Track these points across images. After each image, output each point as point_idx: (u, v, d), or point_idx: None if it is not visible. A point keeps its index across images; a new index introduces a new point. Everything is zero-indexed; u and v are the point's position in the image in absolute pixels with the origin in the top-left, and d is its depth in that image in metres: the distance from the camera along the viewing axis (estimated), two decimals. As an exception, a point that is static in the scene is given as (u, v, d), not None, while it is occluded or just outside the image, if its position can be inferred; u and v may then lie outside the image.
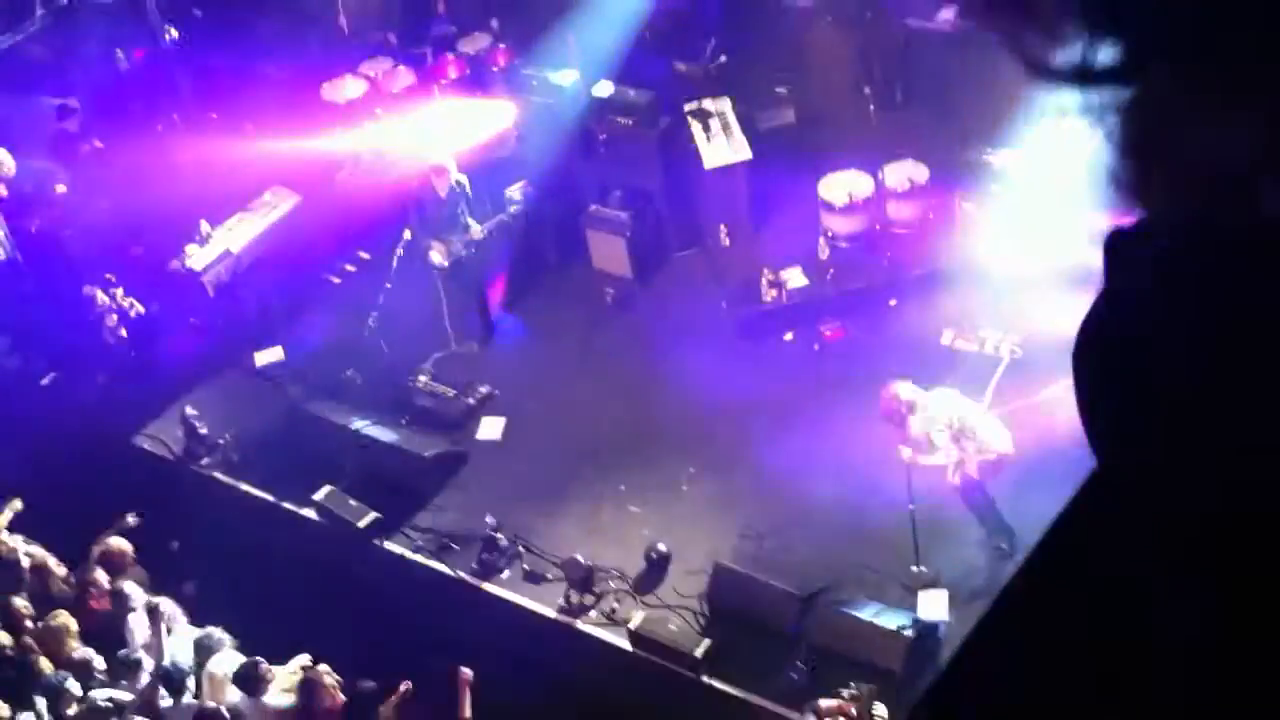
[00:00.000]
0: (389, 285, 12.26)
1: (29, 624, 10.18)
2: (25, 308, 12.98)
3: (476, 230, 12.36)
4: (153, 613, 9.75)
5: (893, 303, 12.00)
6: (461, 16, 15.44)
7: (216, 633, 9.85)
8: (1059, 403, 10.29)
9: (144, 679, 9.71)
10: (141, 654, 9.83)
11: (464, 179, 12.38)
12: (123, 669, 9.87)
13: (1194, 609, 1.04)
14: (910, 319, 11.80)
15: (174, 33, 14.43)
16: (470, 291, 12.71)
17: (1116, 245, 1.17)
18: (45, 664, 9.75)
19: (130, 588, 10.14)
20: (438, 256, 12.32)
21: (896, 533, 10.35)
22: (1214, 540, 1.03)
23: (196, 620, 10.09)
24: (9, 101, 14.24)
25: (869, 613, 9.73)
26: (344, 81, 14.67)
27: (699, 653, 9.83)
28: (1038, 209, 11.85)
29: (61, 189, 13.60)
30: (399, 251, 12.27)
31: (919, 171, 12.27)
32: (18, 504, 11.18)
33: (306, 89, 14.53)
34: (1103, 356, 1.16)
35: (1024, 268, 11.70)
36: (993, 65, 11.83)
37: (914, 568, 10.10)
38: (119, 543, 10.79)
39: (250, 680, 9.28)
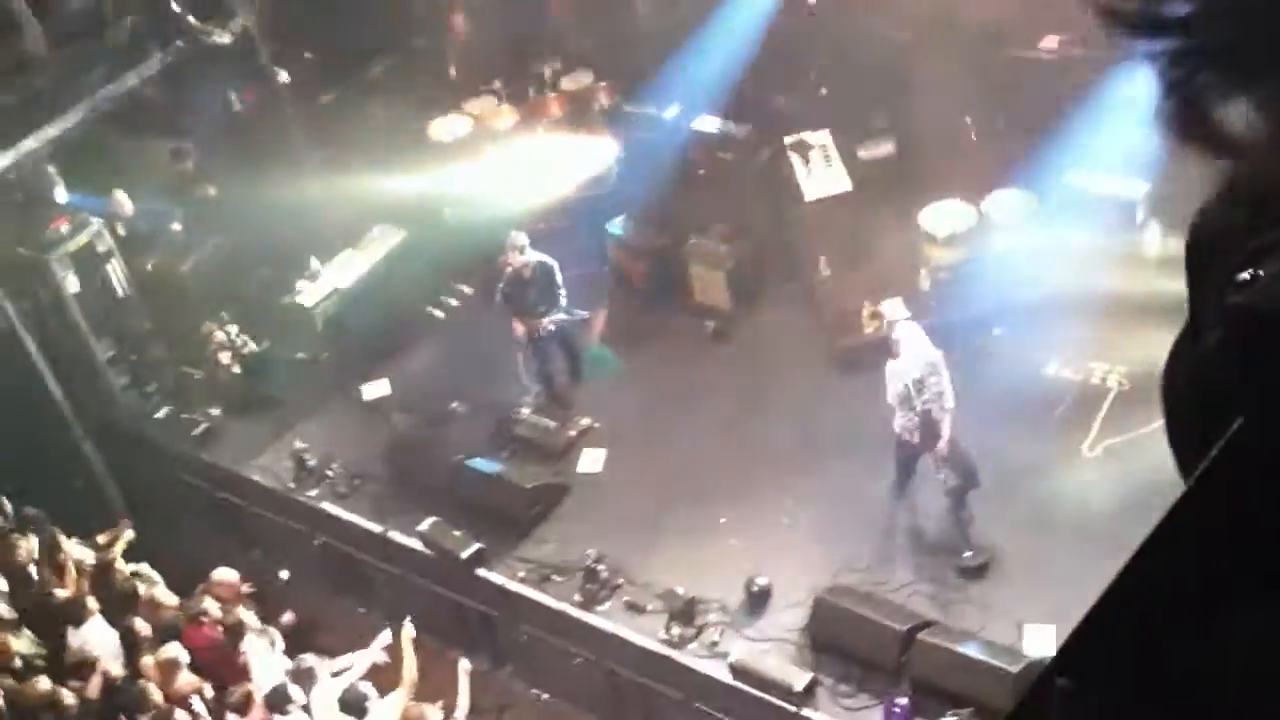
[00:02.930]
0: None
1: (145, 652, 10.41)
2: (142, 344, 13.34)
3: (547, 321, 12.07)
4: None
5: (997, 331, 11.87)
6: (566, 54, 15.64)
7: (310, 659, 9.97)
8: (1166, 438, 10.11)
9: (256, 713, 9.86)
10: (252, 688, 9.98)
11: (549, 260, 12.03)
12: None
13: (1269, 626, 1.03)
14: (1015, 349, 11.66)
15: (285, 75, 14.75)
16: (553, 360, 12.50)
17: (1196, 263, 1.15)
18: (155, 693, 9.93)
19: (245, 615, 10.31)
20: (519, 331, 12.13)
21: (1002, 566, 10.25)
22: None
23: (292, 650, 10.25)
24: (127, 144, 14.69)
25: (973, 648, 9.59)
26: (449, 120, 14.93)
27: (800, 686, 9.77)
28: (1146, 236, 11.70)
29: (177, 228, 13.98)
30: (502, 286, 12.40)
31: (1022, 200, 12.15)
32: (129, 531, 11.45)
33: (413, 127, 14.82)
34: (1185, 379, 1.15)
35: (1135, 297, 11.56)
36: (1095, 92, 11.80)
37: (966, 553, 10.23)
38: (226, 573, 10.98)
39: (355, 706, 9.42)
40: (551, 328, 12.12)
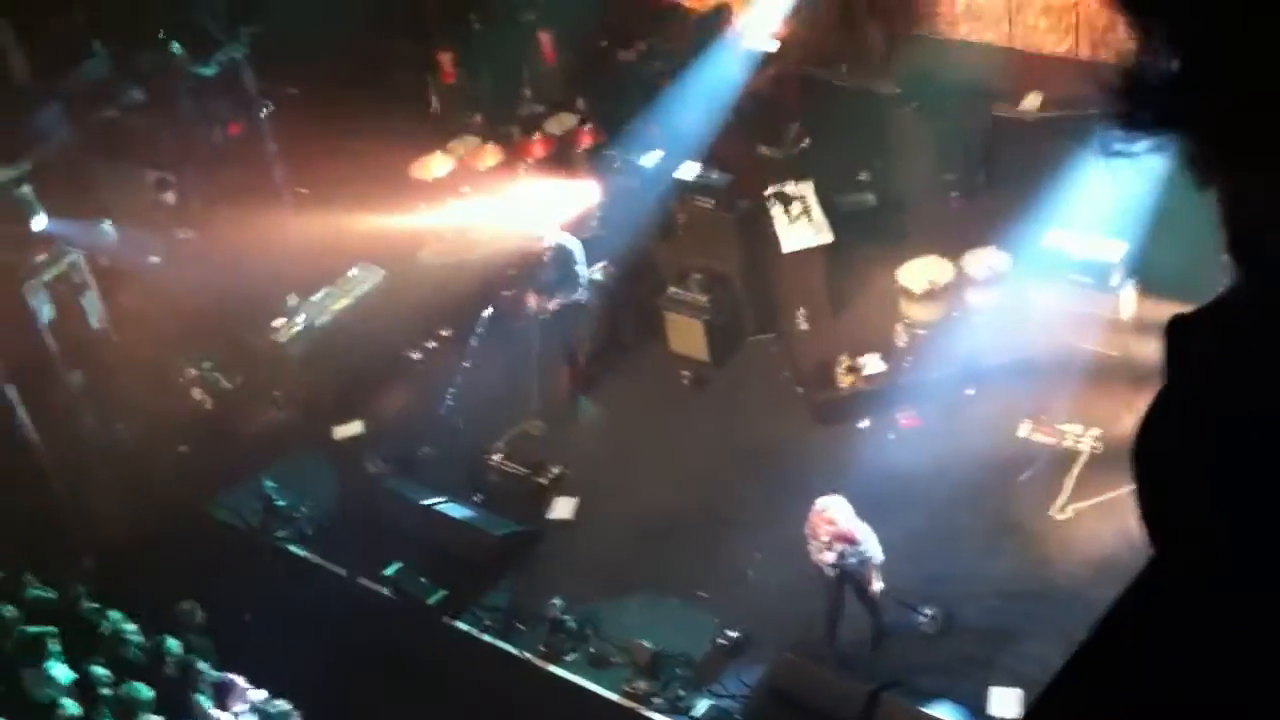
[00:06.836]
0: (467, 365, 12.37)
1: (106, 691, 10.32)
2: (113, 377, 13.25)
3: (580, 291, 12.48)
4: (219, 688, 9.85)
5: (970, 392, 11.87)
6: (549, 97, 15.68)
7: (284, 705, 9.93)
8: (1137, 501, 10.12)
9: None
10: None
11: (568, 242, 12.44)
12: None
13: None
14: (987, 409, 11.66)
15: (269, 108, 14.76)
16: (561, 347, 12.77)
17: (1176, 333, 1.15)
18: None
19: (199, 665, 10.23)
20: (531, 306, 12.46)
21: (969, 628, 10.21)
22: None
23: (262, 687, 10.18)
24: (109, 173, 14.64)
25: (938, 709, 9.55)
26: (432, 159, 14.93)
27: (764, 744, 9.72)
28: (1121, 298, 11.73)
29: (155, 260, 13.92)
30: (479, 330, 12.40)
31: (1000, 259, 12.18)
32: (90, 562, 11.40)
33: (395, 166, 14.81)
34: (1156, 451, 1.14)
35: (1109, 360, 11.58)
36: (1077, 153, 11.85)
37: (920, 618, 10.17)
38: (189, 605, 10.93)
39: None
40: (555, 307, 12.34)
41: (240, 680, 10.19)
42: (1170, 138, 1.08)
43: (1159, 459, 1.13)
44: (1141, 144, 1.10)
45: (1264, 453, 1.02)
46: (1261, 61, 1.01)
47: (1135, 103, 1.08)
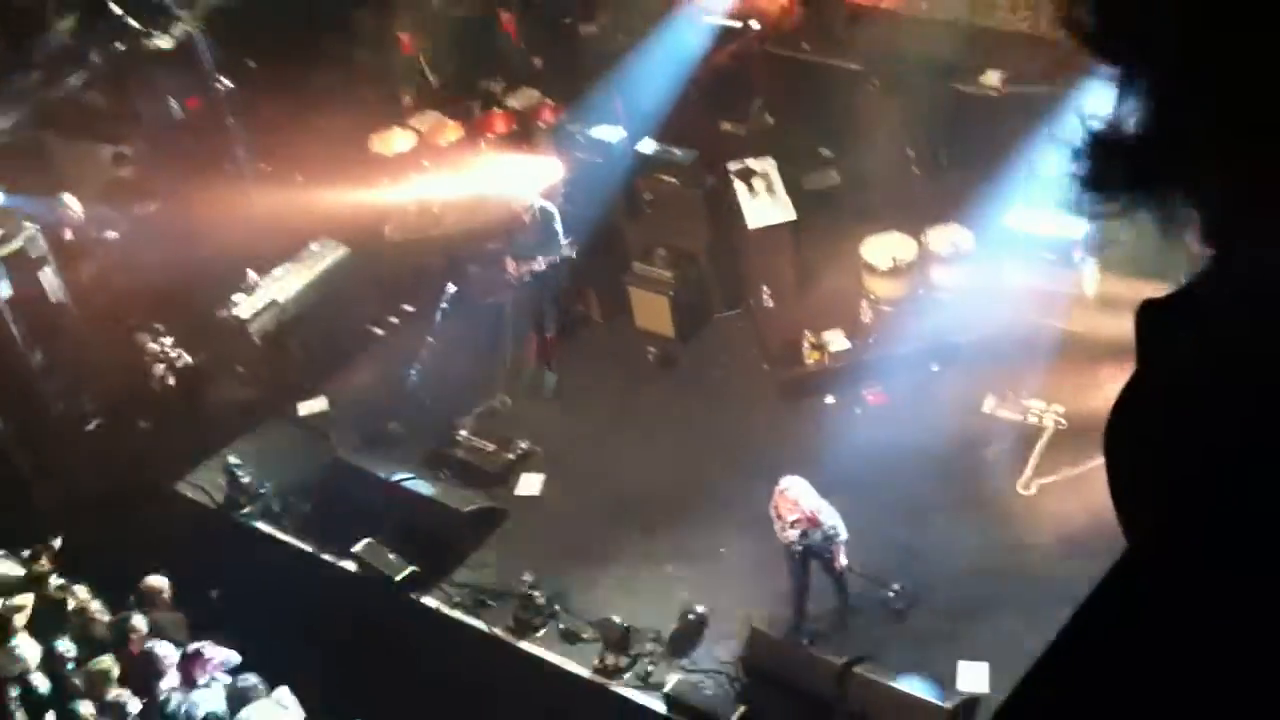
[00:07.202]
0: (431, 340, 12.34)
1: (71, 667, 10.28)
2: (75, 353, 13.11)
3: (565, 249, 12.44)
4: (185, 661, 9.81)
5: (935, 368, 11.97)
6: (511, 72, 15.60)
7: (253, 679, 9.90)
8: (1103, 477, 10.24)
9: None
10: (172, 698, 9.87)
11: (549, 205, 12.44)
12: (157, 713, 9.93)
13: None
14: (952, 385, 11.77)
15: (227, 83, 14.59)
16: (542, 308, 12.77)
17: (1149, 318, 1.17)
18: (86, 707, 9.80)
19: (161, 648, 10.16)
20: (511, 271, 12.44)
21: (938, 603, 10.31)
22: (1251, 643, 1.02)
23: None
24: (67, 148, 14.44)
25: (907, 683, 9.64)
26: (392, 134, 14.82)
27: (734, 718, 9.77)
28: (1083, 275, 11.85)
29: (113, 235, 13.76)
30: (443, 305, 12.36)
31: (963, 236, 12.26)
32: (56, 540, 11.31)
33: (355, 141, 14.69)
34: (1134, 436, 1.16)
35: (1073, 336, 11.70)
36: (1037, 130, 11.93)
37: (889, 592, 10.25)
38: (156, 581, 10.88)
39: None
40: (540, 267, 12.29)
41: (209, 649, 10.11)
42: (1143, 194, 1.11)
43: (1134, 442, 1.15)
44: (1114, 205, 1.13)
45: (1240, 438, 1.03)
46: (1236, 89, 1.03)
47: (1107, 165, 1.11)
